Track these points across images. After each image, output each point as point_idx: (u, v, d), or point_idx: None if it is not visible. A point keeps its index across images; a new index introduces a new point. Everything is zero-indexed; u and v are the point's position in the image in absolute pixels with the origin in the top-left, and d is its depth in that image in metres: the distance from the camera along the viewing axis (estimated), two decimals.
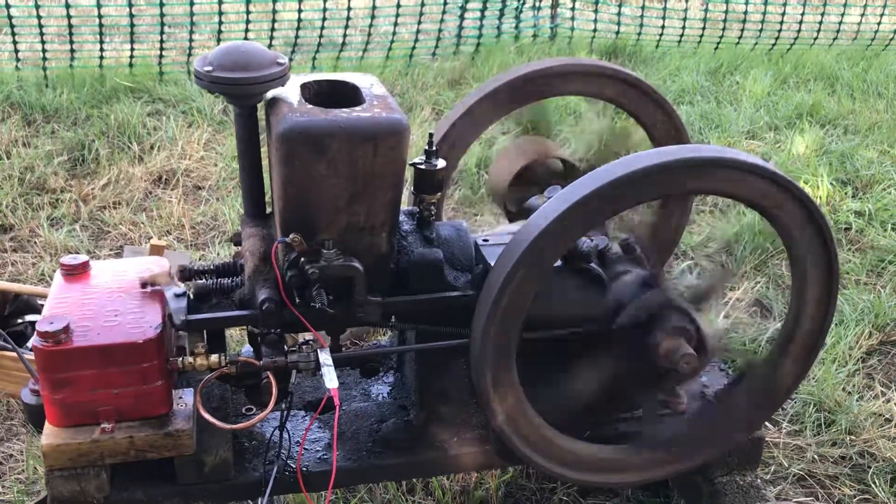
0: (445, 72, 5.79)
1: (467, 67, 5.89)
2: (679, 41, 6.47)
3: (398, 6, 5.96)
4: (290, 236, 1.83)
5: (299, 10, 5.71)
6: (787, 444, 2.77)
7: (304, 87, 1.94)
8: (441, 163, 2.05)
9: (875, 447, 2.75)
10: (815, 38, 6.60)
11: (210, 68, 1.84)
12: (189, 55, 5.55)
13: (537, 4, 6.54)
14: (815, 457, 2.72)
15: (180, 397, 1.97)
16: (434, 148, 2.05)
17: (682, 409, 2.20)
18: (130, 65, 5.37)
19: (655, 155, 1.83)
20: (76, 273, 2.03)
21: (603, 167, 1.81)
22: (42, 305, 2.98)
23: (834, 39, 6.66)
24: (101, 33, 5.35)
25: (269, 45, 5.74)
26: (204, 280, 2.03)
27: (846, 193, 4.39)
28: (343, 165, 1.80)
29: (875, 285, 3.62)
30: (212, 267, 2.08)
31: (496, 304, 1.81)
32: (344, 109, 1.83)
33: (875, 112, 5.50)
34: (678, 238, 2.73)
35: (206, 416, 1.86)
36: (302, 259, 1.86)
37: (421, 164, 2.05)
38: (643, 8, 6.45)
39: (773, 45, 6.55)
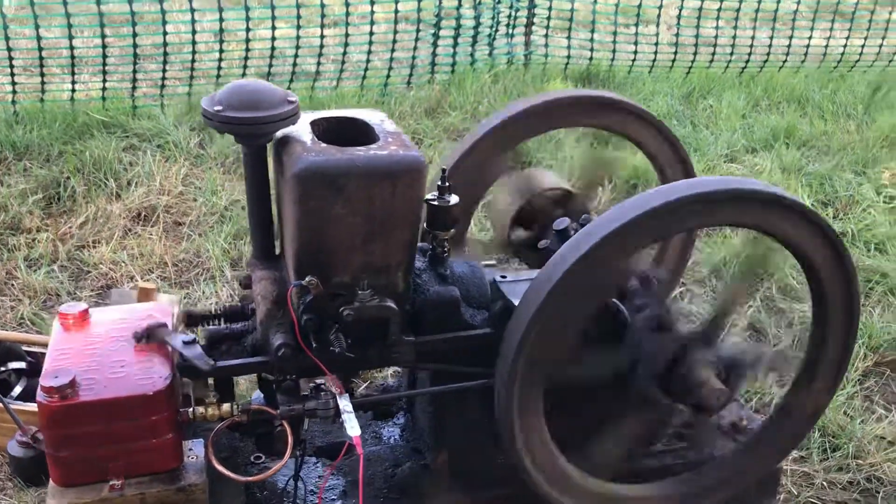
0: (422, 100, 5.75)
1: (443, 95, 5.87)
2: (651, 66, 6.51)
3: (371, 34, 5.93)
4: (307, 279, 1.77)
5: (273, 39, 5.66)
6: (795, 472, 2.75)
7: (313, 124, 1.89)
8: (454, 199, 2.01)
9: (881, 471, 2.75)
10: (784, 61, 6.70)
11: (220, 108, 1.77)
12: (162, 87, 5.45)
13: (510, 31, 6.55)
14: (824, 483, 2.71)
15: (190, 449, 1.89)
16: (447, 184, 2.00)
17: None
18: (103, 97, 5.25)
19: (689, 186, 1.80)
20: (76, 322, 1.94)
21: (634, 197, 1.78)
22: (26, 352, 2.87)
23: (802, 62, 6.77)
24: (73, 64, 5.23)
25: (243, 76, 5.66)
26: (213, 325, 1.96)
27: (827, 215, 4.42)
28: (360, 205, 1.75)
29: (865, 306, 3.64)
30: (219, 311, 2.00)
31: (523, 343, 1.76)
32: (359, 147, 1.78)
33: (846, 133, 5.58)
34: (683, 267, 2.72)
35: (221, 468, 1.79)
36: (314, 301, 1.80)
37: (434, 200, 2.00)
38: (615, 34, 6.48)
39: (744, 68, 6.63)
